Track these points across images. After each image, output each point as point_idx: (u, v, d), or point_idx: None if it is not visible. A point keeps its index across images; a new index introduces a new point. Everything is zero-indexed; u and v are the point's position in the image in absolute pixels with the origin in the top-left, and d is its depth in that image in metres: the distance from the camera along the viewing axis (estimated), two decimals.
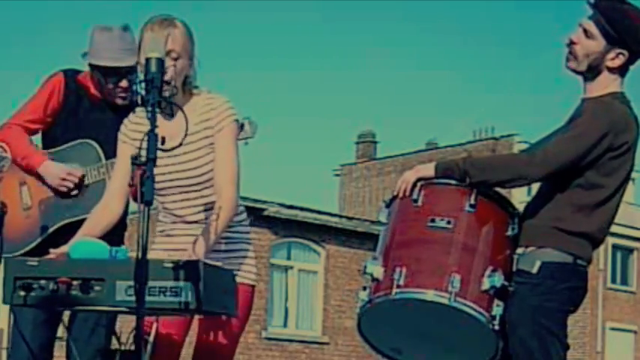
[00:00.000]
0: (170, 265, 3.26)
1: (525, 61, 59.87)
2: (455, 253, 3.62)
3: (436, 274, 3.58)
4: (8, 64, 56.43)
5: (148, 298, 3.16)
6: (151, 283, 3.20)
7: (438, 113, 64.89)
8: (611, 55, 3.70)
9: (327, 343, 23.78)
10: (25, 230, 4.49)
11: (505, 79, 63.27)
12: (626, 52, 3.68)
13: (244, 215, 3.92)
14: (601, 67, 3.72)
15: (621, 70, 3.74)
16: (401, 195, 3.76)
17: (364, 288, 3.71)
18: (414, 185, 3.74)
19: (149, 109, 3.23)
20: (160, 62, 3.31)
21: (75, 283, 3.31)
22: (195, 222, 3.79)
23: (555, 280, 3.63)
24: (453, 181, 3.71)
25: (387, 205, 3.85)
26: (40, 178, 4.51)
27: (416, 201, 3.72)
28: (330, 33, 61.57)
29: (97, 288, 3.30)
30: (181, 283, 3.24)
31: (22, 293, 3.34)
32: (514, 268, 3.69)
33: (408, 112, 64.86)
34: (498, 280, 3.58)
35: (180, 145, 3.49)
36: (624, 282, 34.27)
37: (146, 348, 3.67)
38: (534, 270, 3.63)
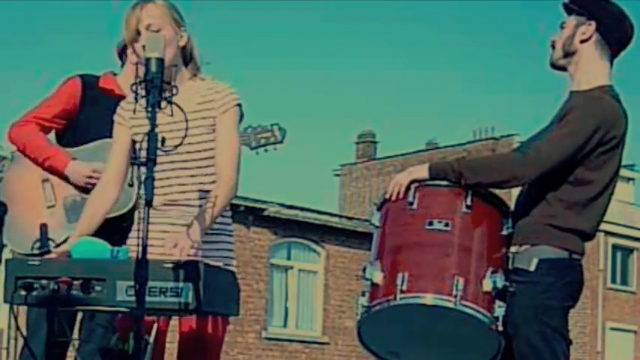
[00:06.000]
0: (170, 265, 3.26)
1: (526, 61, 59.87)
2: (455, 255, 3.61)
3: (438, 277, 3.56)
4: (8, 65, 56.41)
5: (148, 299, 3.17)
6: (151, 284, 3.21)
7: (438, 113, 64.90)
8: (582, 29, 3.77)
9: (327, 343, 23.79)
10: (51, 228, 4.47)
11: (505, 79, 63.31)
12: (593, 22, 3.76)
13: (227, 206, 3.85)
14: (574, 44, 3.78)
15: (599, 47, 3.77)
16: (394, 198, 3.72)
17: (363, 293, 3.67)
18: (408, 188, 3.71)
19: (149, 109, 3.23)
20: (160, 62, 3.31)
21: (76, 282, 3.32)
22: (177, 204, 3.73)
23: (554, 277, 3.64)
24: (448, 182, 3.68)
25: (379, 208, 3.80)
26: (64, 178, 4.50)
27: (411, 203, 3.68)
28: (330, 33, 61.60)
29: (97, 288, 3.31)
30: (181, 284, 3.24)
31: (23, 293, 3.35)
32: (510, 267, 3.69)
33: (408, 112, 64.88)
34: (500, 280, 3.57)
35: (181, 144, 3.48)
36: (624, 282, 34.25)
37: (146, 348, 3.67)
38: (532, 268, 3.64)
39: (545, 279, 3.63)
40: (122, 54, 4.75)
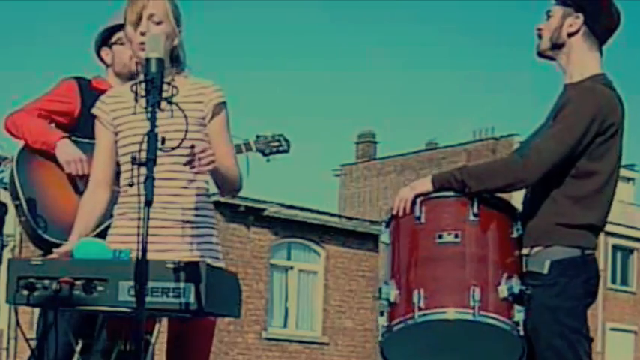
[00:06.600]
0: (172, 265, 3.26)
1: (526, 61, 59.86)
2: (468, 266, 3.58)
3: (455, 290, 3.53)
4: (8, 65, 56.42)
5: (149, 299, 3.17)
6: (152, 284, 3.21)
7: (438, 113, 64.96)
8: (569, 21, 3.75)
9: (327, 343, 23.78)
10: None
11: (505, 79, 63.27)
12: (580, 15, 3.74)
13: (209, 198, 3.87)
14: (562, 37, 3.76)
15: (588, 39, 3.75)
16: (401, 213, 3.69)
17: (382, 313, 3.63)
18: (413, 202, 3.67)
19: (149, 109, 3.24)
20: (160, 62, 3.32)
21: (78, 283, 3.32)
22: (160, 195, 3.63)
23: (568, 277, 3.61)
24: (452, 193, 3.66)
25: (387, 225, 3.77)
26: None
27: (419, 218, 3.65)
28: (330, 33, 61.62)
29: (99, 288, 3.31)
30: (183, 284, 3.25)
31: (25, 293, 3.35)
32: (523, 270, 3.66)
33: (408, 112, 64.91)
34: (516, 285, 3.54)
35: (180, 145, 3.48)
36: (624, 282, 34.27)
37: (147, 348, 3.67)
38: (545, 270, 3.60)
39: (559, 280, 3.60)
40: (98, 54, 4.72)
